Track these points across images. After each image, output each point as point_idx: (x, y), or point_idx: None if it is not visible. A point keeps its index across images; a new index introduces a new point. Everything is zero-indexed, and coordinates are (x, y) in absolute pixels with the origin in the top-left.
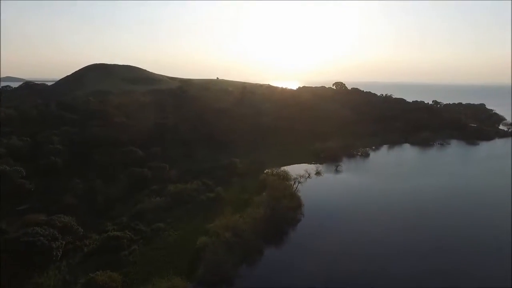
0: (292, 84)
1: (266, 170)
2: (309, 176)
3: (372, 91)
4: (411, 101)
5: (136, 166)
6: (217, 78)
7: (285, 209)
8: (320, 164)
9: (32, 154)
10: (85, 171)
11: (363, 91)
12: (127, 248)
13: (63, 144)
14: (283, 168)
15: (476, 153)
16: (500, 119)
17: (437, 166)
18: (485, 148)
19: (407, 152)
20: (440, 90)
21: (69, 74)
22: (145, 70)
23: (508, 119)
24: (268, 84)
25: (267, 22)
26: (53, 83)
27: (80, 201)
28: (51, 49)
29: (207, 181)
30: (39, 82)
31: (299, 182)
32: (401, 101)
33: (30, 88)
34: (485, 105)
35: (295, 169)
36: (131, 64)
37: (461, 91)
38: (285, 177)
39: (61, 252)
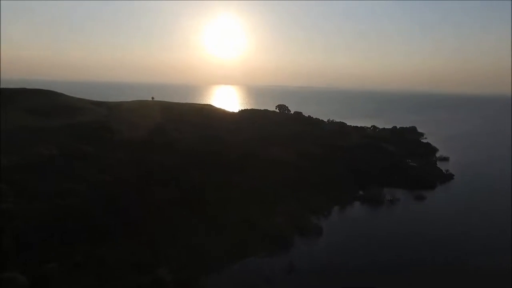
0: (234, 96)
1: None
2: None
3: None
4: (353, 125)
5: None
6: (152, 98)
7: None
8: (270, 256)
9: None
10: None
11: (306, 116)
12: None
13: None
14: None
15: (427, 214)
16: (433, 150)
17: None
18: (433, 205)
19: (360, 216)
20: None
21: None
22: (62, 94)
23: (441, 150)
24: (209, 106)
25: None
26: None
27: None
28: None
29: None
30: None
31: None
32: (344, 129)
33: None
34: (416, 128)
35: (241, 276)
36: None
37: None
38: None
39: None
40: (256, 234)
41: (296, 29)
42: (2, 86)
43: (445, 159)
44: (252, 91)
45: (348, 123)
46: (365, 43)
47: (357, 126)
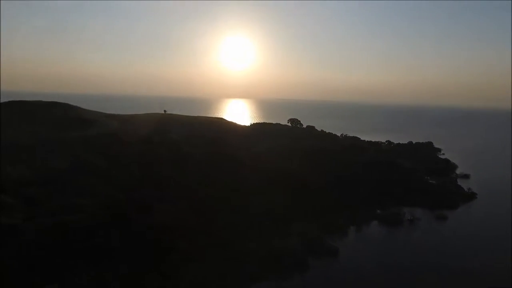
0: (245, 109)
1: None
2: None
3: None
4: (367, 140)
5: None
6: (165, 111)
7: None
8: (282, 279)
9: None
10: None
11: (319, 130)
12: None
13: None
14: None
15: (451, 235)
16: (453, 166)
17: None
18: (456, 226)
19: (379, 236)
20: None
21: None
22: (76, 106)
23: (460, 167)
24: (221, 119)
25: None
26: None
27: None
28: None
29: None
30: None
31: None
32: (358, 143)
33: None
34: (432, 143)
35: None
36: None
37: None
38: None
39: None
40: (268, 256)
41: (310, 43)
42: (17, 99)
43: (466, 176)
44: (263, 104)
45: (362, 138)
46: (376, 57)
47: (371, 141)
